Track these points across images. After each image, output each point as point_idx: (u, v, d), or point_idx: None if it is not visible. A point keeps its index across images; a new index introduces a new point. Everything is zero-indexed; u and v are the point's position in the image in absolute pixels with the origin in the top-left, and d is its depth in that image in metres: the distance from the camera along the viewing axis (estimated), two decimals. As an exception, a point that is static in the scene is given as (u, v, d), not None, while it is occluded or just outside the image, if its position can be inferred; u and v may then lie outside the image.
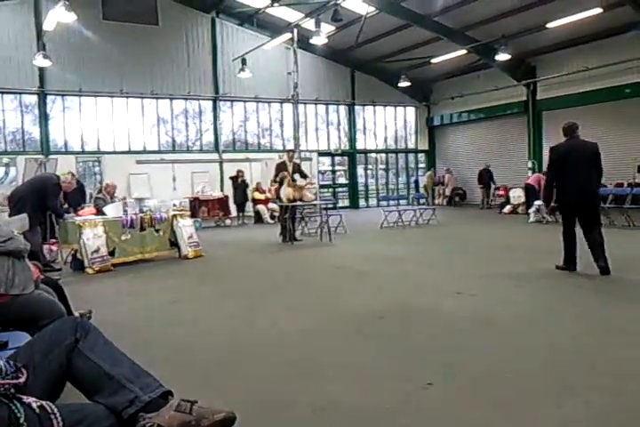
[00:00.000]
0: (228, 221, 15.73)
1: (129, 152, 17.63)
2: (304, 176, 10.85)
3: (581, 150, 6.61)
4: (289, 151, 11.64)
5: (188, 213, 10.20)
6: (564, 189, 6.54)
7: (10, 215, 8.69)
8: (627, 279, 6.17)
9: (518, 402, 2.92)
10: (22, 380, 1.83)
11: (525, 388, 3.10)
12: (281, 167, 10.89)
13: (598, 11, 13.31)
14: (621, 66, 15.21)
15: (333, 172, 22.20)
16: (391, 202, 18.64)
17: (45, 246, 8.50)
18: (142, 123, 18.11)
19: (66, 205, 8.88)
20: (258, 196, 16.01)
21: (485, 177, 19.12)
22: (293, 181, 10.49)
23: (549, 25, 14.48)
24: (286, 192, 10.39)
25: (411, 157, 23.76)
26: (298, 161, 10.07)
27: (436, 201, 21.24)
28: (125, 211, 8.86)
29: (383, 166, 23.50)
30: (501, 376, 3.30)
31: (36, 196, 7.81)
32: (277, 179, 10.71)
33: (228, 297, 5.99)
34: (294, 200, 10.50)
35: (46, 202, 7.83)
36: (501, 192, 18.51)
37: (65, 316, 3.18)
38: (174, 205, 10.30)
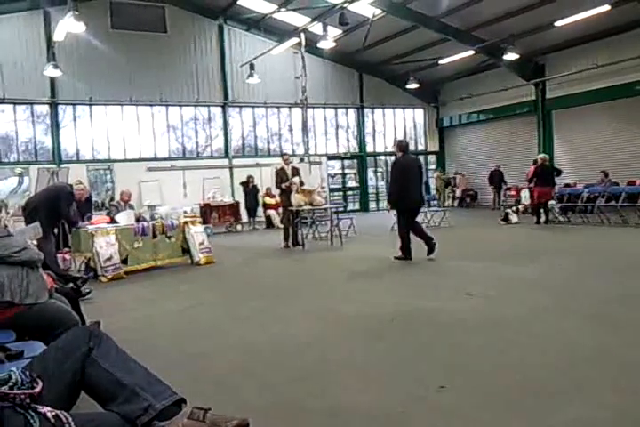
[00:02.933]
0: (239, 227, 15.77)
1: (140, 160, 17.73)
2: (301, 185, 10.80)
3: (414, 165, 8.43)
4: (283, 155, 11.57)
5: (200, 219, 10.25)
6: (407, 195, 8.20)
7: (25, 224, 8.83)
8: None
9: (532, 403, 2.91)
10: (37, 390, 1.85)
11: (539, 389, 3.08)
12: (280, 173, 10.87)
13: (606, 8, 13.24)
14: (631, 63, 15.07)
15: (343, 175, 22.19)
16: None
17: (59, 255, 8.57)
18: (152, 130, 18.23)
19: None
20: (268, 201, 16.05)
21: (496, 178, 19.04)
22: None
23: (557, 23, 14.40)
24: (296, 198, 10.43)
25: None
26: (299, 165, 10.04)
27: (447, 202, 21.11)
28: (144, 218, 9.04)
29: (393, 169, 23.40)
30: (514, 377, 3.28)
31: (49, 205, 7.90)
32: (283, 186, 10.71)
33: (240, 302, 6.00)
34: (304, 205, 10.54)
35: (60, 211, 7.91)
36: (513, 192, 18.41)
37: (79, 325, 3.20)
38: (185, 212, 10.34)
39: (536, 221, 12.93)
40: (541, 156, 13.61)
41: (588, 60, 16.35)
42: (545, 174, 12.91)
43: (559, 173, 13.57)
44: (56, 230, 8.51)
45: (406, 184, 8.17)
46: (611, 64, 15.61)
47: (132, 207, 9.95)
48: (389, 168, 23.23)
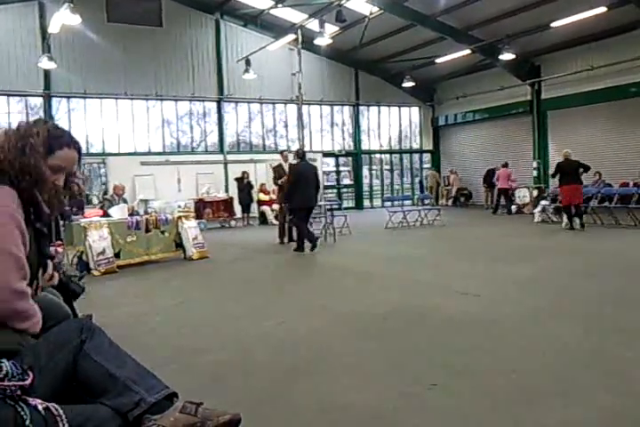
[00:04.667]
0: (232, 223, 15.76)
1: (134, 154, 17.66)
2: None
3: (310, 171, 9.79)
4: (282, 152, 11.78)
5: (193, 214, 10.23)
6: (301, 197, 9.50)
7: None
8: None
9: (523, 402, 2.92)
10: (28, 382, 1.83)
11: (530, 388, 3.09)
12: (278, 170, 10.96)
13: (603, 9, 13.29)
14: (626, 65, 15.15)
15: (338, 172, 22.20)
16: (396, 203, 18.60)
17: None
18: (147, 124, 18.16)
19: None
20: (262, 197, 16.03)
21: (490, 178, 19.10)
22: None
23: (554, 24, 14.45)
24: None
25: (415, 157, 23.72)
26: (294, 162, 10.14)
27: (440, 202, 21.12)
28: (137, 212, 9.02)
29: (388, 167, 23.49)
30: (506, 377, 3.29)
31: None
32: (280, 182, 10.75)
33: (232, 298, 5.99)
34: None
35: None
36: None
37: (70, 318, 3.18)
38: (179, 207, 10.33)
39: (569, 226, 11.32)
40: (565, 151, 11.99)
41: (583, 62, 16.43)
42: (569, 171, 11.43)
43: (586, 168, 11.71)
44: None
45: (301, 187, 9.49)
46: (606, 66, 15.69)
47: (125, 201, 9.91)
48: (384, 166, 23.41)
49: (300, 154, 9.99)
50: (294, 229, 10.78)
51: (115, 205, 9.30)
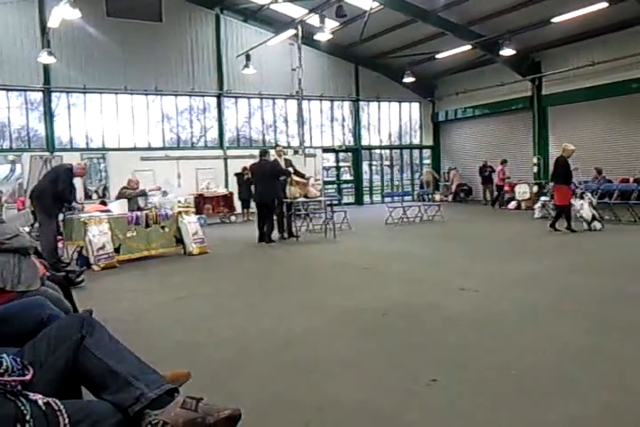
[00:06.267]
0: (232, 218, 15.77)
1: (134, 149, 17.63)
2: (301, 176, 10.90)
3: (265, 168, 10.48)
4: (276, 146, 11.84)
5: (193, 209, 10.23)
6: (257, 192, 10.72)
7: (34, 212, 8.90)
8: None
9: (523, 399, 2.92)
10: (29, 377, 1.84)
11: (531, 386, 3.10)
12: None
13: (604, 5, 13.21)
14: (627, 60, 15.08)
15: (338, 168, 22.16)
16: (396, 198, 18.61)
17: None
18: (147, 119, 18.11)
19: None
20: (262, 192, 16.00)
21: (486, 173, 19.15)
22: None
23: (554, 20, 14.39)
24: (291, 191, 10.48)
25: (415, 153, 23.68)
26: (294, 157, 10.25)
27: (437, 197, 20.95)
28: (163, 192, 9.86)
29: (388, 162, 23.46)
30: (506, 373, 3.29)
31: (52, 187, 7.91)
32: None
33: (232, 294, 6.00)
34: (299, 197, 10.60)
35: (57, 187, 7.88)
36: (507, 188, 18.43)
37: (70, 313, 3.19)
38: (179, 202, 10.32)
39: (570, 228, 10.27)
40: (563, 144, 11.12)
41: (584, 57, 16.36)
42: (555, 167, 10.75)
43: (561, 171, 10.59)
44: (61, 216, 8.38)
45: (257, 183, 10.72)
46: (607, 61, 15.64)
47: (144, 194, 9.77)
48: (384, 162, 23.37)
49: (261, 152, 10.78)
50: (293, 224, 10.87)
51: (136, 192, 9.56)
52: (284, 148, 12.41)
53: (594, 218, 10.54)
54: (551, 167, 12.44)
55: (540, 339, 3.97)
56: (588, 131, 16.94)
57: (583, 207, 10.61)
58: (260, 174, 10.55)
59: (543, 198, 13.64)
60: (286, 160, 11.12)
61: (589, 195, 10.93)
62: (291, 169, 10.73)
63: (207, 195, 15.60)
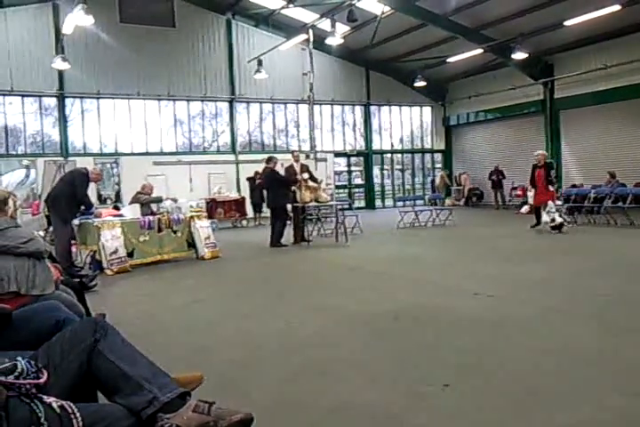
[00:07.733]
0: (244, 222, 15.80)
1: (146, 154, 17.74)
2: (314, 181, 10.92)
3: (268, 175, 10.98)
4: (293, 152, 12.03)
5: (205, 214, 10.27)
6: (268, 198, 11.25)
7: (48, 217, 8.98)
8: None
9: (534, 403, 2.90)
10: (43, 380, 1.86)
11: (542, 388, 3.07)
12: (289, 170, 11.07)
13: (617, 8, 13.14)
14: (641, 63, 14.99)
15: (349, 172, 22.18)
16: (407, 202, 18.61)
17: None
18: (159, 124, 18.24)
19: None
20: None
21: (496, 177, 19.07)
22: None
23: (567, 23, 14.31)
24: (302, 195, 10.50)
25: (427, 157, 23.64)
26: (305, 162, 10.26)
27: (447, 202, 20.86)
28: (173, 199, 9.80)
29: (399, 167, 23.42)
30: (517, 376, 3.27)
31: (68, 191, 8.00)
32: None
33: (244, 298, 6.01)
34: (310, 202, 10.60)
35: (76, 192, 7.97)
36: (519, 192, 18.33)
37: (84, 317, 3.21)
38: (191, 207, 10.36)
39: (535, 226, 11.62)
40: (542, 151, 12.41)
41: (597, 61, 16.26)
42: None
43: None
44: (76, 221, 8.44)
45: (267, 189, 11.34)
46: (620, 64, 15.51)
47: (160, 200, 9.81)
48: (395, 166, 23.36)
49: (266, 160, 11.09)
50: (305, 229, 10.89)
51: (152, 198, 9.67)
52: (299, 153, 12.52)
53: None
54: (564, 171, 12.44)
55: (552, 341, 3.94)
56: (601, 135, 16.79)
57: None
58: (267, 181, 11.04)
59: (557, 203, 13.51)
60: (302, 165, 11.16)
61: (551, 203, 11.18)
62: (306, 175, 10.69)
63: (219, 199, 15.65)
